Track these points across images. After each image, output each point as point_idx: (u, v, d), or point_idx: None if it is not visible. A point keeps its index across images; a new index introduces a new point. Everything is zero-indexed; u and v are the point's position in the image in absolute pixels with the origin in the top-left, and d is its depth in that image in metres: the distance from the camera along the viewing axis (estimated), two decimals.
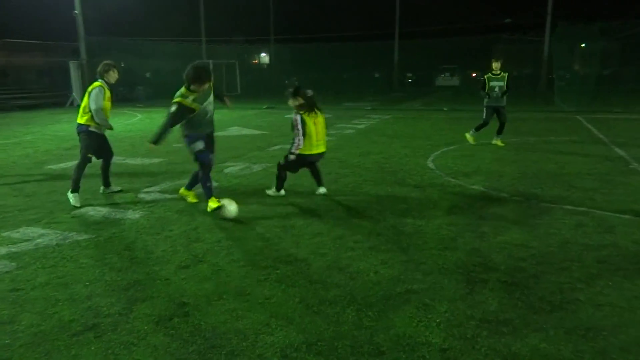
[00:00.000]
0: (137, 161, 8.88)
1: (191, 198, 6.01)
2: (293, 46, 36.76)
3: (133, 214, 5.54)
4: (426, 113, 18.63)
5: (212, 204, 5.50)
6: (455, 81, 38.94)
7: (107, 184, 6.49)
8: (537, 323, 3.10)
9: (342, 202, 5.94)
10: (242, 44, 38.86)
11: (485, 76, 9.92)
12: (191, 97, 5.29)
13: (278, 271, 3.91)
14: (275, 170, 6.31)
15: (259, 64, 45.71)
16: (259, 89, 32.18)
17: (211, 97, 5.57)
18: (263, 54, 44.71)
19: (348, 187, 6.71)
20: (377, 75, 40.94)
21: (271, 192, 6.23)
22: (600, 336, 2.94)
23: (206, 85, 5.37)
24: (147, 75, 32.08)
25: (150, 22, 35.14)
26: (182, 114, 5.30)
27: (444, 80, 39.27)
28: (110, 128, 6.16)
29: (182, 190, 6.15)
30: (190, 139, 5.45)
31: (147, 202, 6.06)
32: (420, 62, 38.60)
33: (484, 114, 10.03)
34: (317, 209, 5.64)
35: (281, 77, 37.23)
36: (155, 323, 3.15)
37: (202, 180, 5.58)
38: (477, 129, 10.13)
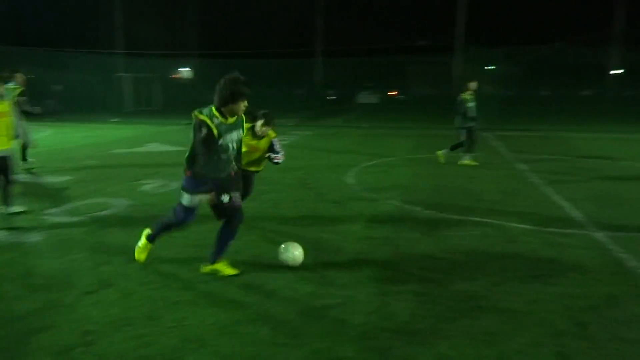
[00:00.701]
0: (44, 180, 8.29)
1: (227, 269, 4.16)
2: (216, 61, 36.33)
3: (35, 237, 5.15)
4: (347, 130, 19.09)
5: (141, 253, 4.29)
6: (375, 99, 40.40)
7: (7, 203, 5.98)
8: (445, 331, 3.24)
9: (262, 219, 5.90)
10: (163, 57, 37.80)
11: (463, 97, 9.73)
12: (217, 121, 3.81)
13: (192, 292, 3.79)
14: None
15: (182, 79, 44.66)
16: (181, 104, 31.39)
17: (240, 133, 4.03)
18: (185, 69, 43.72)
19: (268, 204, 6.68)
20: (299, 92, 41.47)
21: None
22: (501, 340, 3.12)
23: (240, 110, 3.91)
24: (59, 88, 30.23)
25: (63, 33, 33.28)
26: (210, 138, 3.80)
27: (364, 98, 40.60)
28: None
29: (209, 268, 4.19)
30: (191, 185, 3.92)
31: (52, 223, 5.66)
32: (341, 80, 39.68)
33: (462, 135, 9.86)
34: None
35: (204, 93, 36.61)
36: (54, 355, 2.92)
37: (163, 221, 4.23)
38: (454, 146, 10.05)
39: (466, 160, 9.98)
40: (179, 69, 41.19)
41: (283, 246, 4.36)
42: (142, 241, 4.30)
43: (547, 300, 3.68)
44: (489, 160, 10.57)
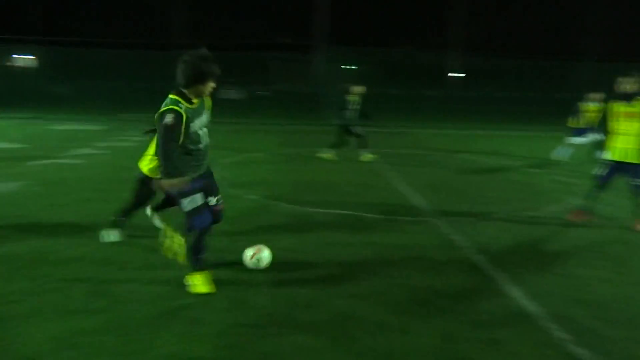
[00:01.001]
0: None
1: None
2: (63, 49, 32.87)
3: None
4: (211, 125, 18.67)
5: (197, 282, 3.71)
6: (239, 95, 40.13)
7: None
8: (300, 321, 3.34)
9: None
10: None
11: (350, 97, 10.19)
12: (183, 107, 3.44)
13: (25, 305, 3.39)
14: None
15: (23, 68, 39.55)
16: (20, 95, 27.88)
17: (207, 115, 3.79)
18: (26, 56, 38.81)
19: (120, 205, 6.24)
20: (159, 85, 39.53)
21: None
22: (352, 324, 3.31)
23: (207, 92, 3.61)
24: None
25: None
26: (178, 127, 3.39)
27: (228, 93, 40.10)
28: None
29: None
30: (183, 190, 3.54)
31: None
32: None
33: (358, 130, 10.36)
34: (80, 231, 5.08)
35: (49, 83, 32.96)
36: None
37: (191, 247, 3.72)
38: (361, 146, 10.44)
39: (327, 154, 10.46)
40: (14, 56, 36.41)
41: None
42: (194, 279, 3.72)
43: (392, 283, 3.99)
44: (346, 156, 11.12)
